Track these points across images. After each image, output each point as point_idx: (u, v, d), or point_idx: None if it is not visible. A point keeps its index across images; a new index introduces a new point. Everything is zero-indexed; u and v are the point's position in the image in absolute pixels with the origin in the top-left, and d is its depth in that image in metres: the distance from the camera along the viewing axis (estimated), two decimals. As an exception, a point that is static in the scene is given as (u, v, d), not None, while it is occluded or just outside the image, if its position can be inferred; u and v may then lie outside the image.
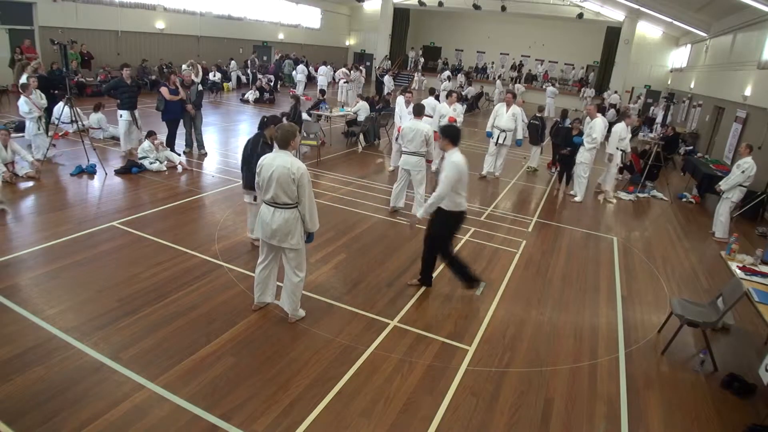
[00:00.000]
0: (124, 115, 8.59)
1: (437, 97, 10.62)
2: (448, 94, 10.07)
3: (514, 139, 9.77)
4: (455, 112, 9.65)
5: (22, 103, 7.73)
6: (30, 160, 7.30)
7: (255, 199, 5.09)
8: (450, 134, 4.66)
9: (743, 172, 7.42)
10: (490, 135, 9.97)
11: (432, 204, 4.60)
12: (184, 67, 10.53)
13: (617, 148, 9.04)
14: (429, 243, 4.90)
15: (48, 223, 5.77)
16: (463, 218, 4.78)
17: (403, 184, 7.05)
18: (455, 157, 4.56)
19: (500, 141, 9.70)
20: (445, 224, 4.74)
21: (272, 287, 4.37)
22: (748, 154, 7.51)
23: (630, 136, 9.56)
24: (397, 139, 9.10)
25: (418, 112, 7.03)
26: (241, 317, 4.24)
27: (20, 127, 8.83)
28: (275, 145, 3.91)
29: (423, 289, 5.06)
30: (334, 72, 21.32)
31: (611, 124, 9.82)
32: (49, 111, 8.91)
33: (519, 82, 25.15)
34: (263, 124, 5.19)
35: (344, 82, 18.39)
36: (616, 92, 22.40)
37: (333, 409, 3.31)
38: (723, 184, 7.66)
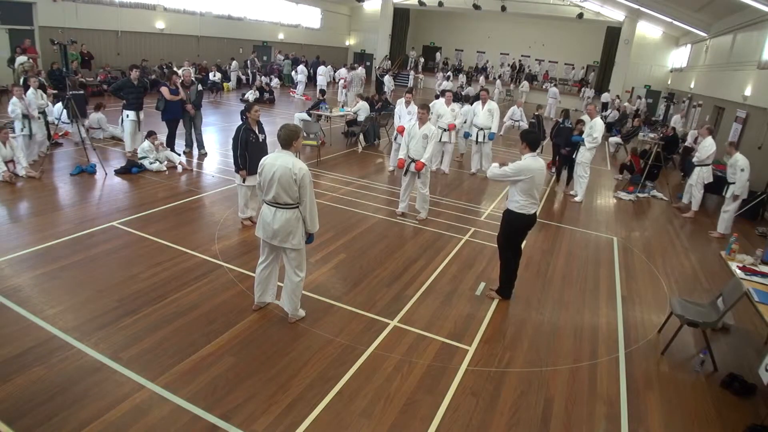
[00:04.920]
0: (130, 115, 8.61)
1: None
2: (443, 94, 10.13)
3: (489, 133, 9.66)
4: (453, 112, 9.66)
5: (10, 103, 7.74)
6: (24, 165, 7.25)
7: (244, 180, 5.92)
8: (528, 139, 4.68)
9: (743, 170, 7.44)
10: (468, 135, 10.03)
11: (494, 173, 4.72)
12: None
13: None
14: (499, 244, 5.00)
15: (48, 223, 5.76)
16: (528, 222, 4.77)
17: (409, 184, 7.04)
18: (527, 160, 4.59)
19: (479, 139, 9.70)
20: (509, 223, 4.78)
21: (273, 287, 4.37)
22: (736, 151, 7.71)
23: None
24: (395, 138, 9.11)
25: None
26: (241, 317, 4.24)
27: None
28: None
29: (423, 288, 5.06)
30: (334, 72, 21.24)
31: (610, 125, 9.81)
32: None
33: (521, 82, 25.12)
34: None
35: (344, 88, 18.17)
36: (608, 92, 22.40)
37: (333, 409, 3.31)
38: (737, 191, 7.57)
